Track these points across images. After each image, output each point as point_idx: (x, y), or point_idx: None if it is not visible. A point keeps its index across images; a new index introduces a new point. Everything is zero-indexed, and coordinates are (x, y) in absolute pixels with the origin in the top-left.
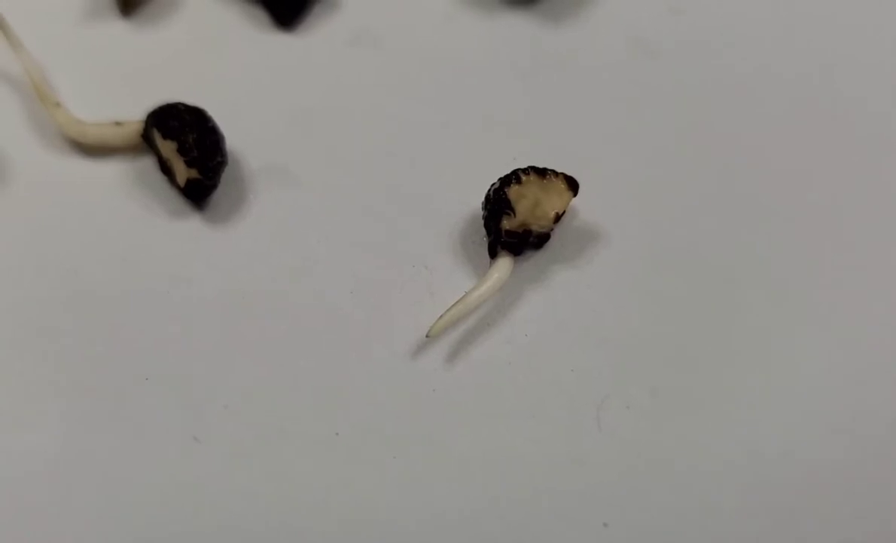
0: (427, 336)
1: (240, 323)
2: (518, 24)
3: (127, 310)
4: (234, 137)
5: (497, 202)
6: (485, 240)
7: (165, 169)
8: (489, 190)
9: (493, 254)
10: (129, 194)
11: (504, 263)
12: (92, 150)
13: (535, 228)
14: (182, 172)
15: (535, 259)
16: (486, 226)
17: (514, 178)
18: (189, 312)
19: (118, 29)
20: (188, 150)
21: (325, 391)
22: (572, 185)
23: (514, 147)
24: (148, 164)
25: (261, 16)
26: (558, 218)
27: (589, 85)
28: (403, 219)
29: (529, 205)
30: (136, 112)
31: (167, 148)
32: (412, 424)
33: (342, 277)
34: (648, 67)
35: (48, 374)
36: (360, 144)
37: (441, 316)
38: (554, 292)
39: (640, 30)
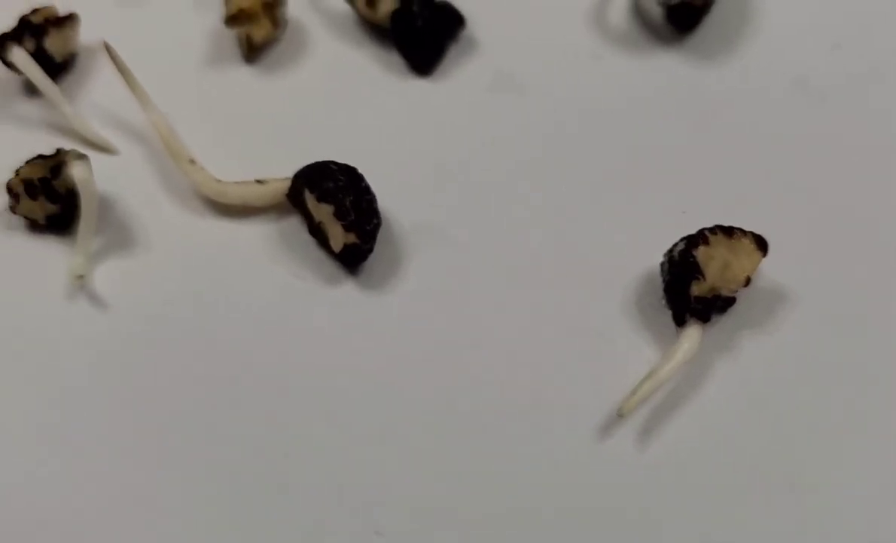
0: (619, 415)
1: (402, 398)
2: (668, 63)
3: (278, 382)
4: (382, 194)
5: (684, 266)
6: (663, 303)
7: (316, 231)
8: (672, 252)
9: (680, 322)
10: (274, 258)
11: (693, 332)
12: (231, 210)
13: (724, 292)
14: (339, 237)
15: (720, 324)
16: (669, 290)
17: (700, 238)
18: (344, 384)
19: (243, 75)
20: (345, 213)
21: (501, 475)
22: (761, 244)
23: (681, 199)
24: (292, 224)
25: (394, 60)
26: (748, 281)
27: (751, 128)
28: (569, 279)
29: (719, 268)
30: (269, 166)
31: (322, 211)
32: (610, 509)
33: (510, 346)
34: (815, 108)
35: (197, 453)
36: (513, 198)
37: (633, 393)
38: (744, 360)
39: (802, 67)
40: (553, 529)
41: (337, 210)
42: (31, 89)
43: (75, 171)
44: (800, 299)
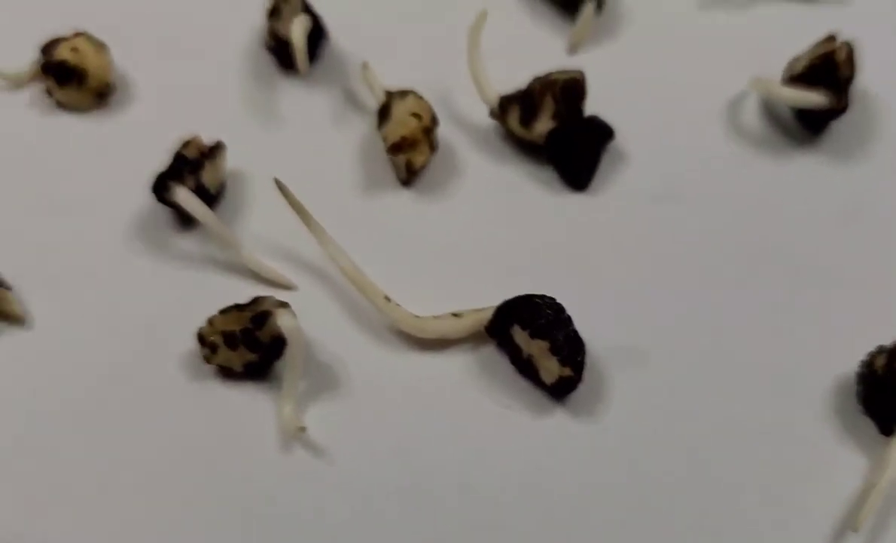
0: (854, 531)
1: (629, 526)
2: (806, 162)
3: (500, 514)
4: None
5: (890, 377)
6: (860, 409)
7: (523, 363)
8: (872, 364)
9: (888, 431)
10: (479, 389)
11: None
12: (425, 343)
13: None
14: (553, 371)
15: None
16: (871, 401)
17: None
18: (559, 515)
19: (402, 199)
20: (559, 349)
21: None
22: None
23: (858, 307)
24: (489, 353)
25: (548, 175)
26: None
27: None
28: (763, 388)
29: None
30: (445, 292)
31: (534, 346)
32: None
33: (722, 464)
34: None
35: None
36: (691, 309)
37: (862, 506)
38: None
39: None
40: None
41: (552, 346)
42: (184, 222)
43: (283, 321)
44: None
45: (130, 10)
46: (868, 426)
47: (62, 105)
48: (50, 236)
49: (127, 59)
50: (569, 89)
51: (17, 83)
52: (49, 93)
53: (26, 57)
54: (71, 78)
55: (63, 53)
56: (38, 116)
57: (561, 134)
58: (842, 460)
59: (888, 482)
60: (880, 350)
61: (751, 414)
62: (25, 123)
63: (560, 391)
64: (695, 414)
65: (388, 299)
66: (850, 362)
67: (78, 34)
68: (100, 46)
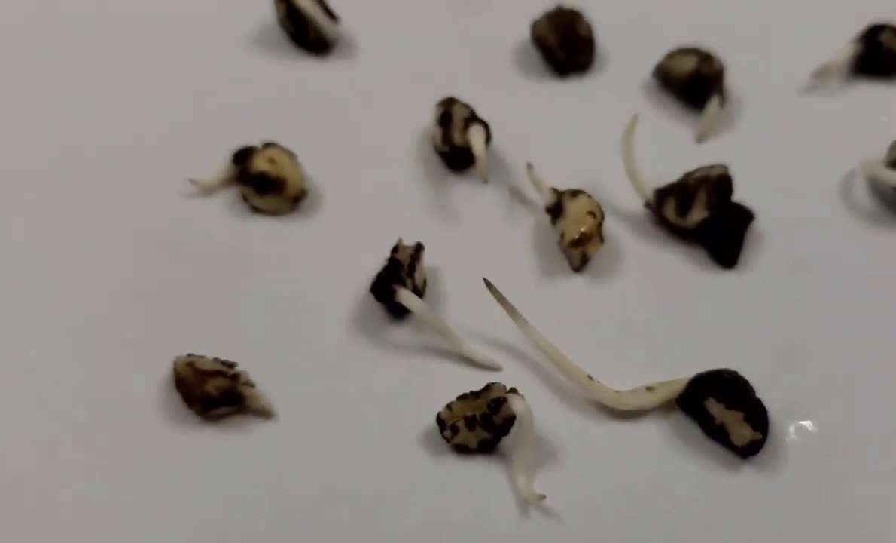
0: None
1: None
2: None
3: None
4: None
5: None
6: None
7: (715, 430)
8: None
9: None
10: (675, 450)
11: None
12: (625, 414)
13: None
14: (746, 436)
15: None
16: None
17: None
18: None
19: (576, 284)
20: (752, 417)
21: None
22: None
23: None
24: (677, 420)
25: (700, 256)
26: None
27: None
28: None
29: None
30: (628, 367)
31: (728, 415)
32: None
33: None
34: None
35: None
36: (838, 372)
37: None
38: None
39: None
40: None
41: (746, 415)
42: (396, 315)
43: (516, 406)
44: None
45: (304, 118)
46: None
47: (258, 210)
48: (272, 332)
49: (312, 165)
50: (720, 183)
51: (209, 190)
52: (245, 198)
53: (211, 167)
54: (271, 187)
55: (261, 165)
56: (237, 221)
57: (712, 222)
58: None
59: None
60: None
61: None
62: (226, 228)
63: (750, 451)
64: (858, 458)
65: (590, 377)
66: None
67: (268, 145)
68: (291, 156)
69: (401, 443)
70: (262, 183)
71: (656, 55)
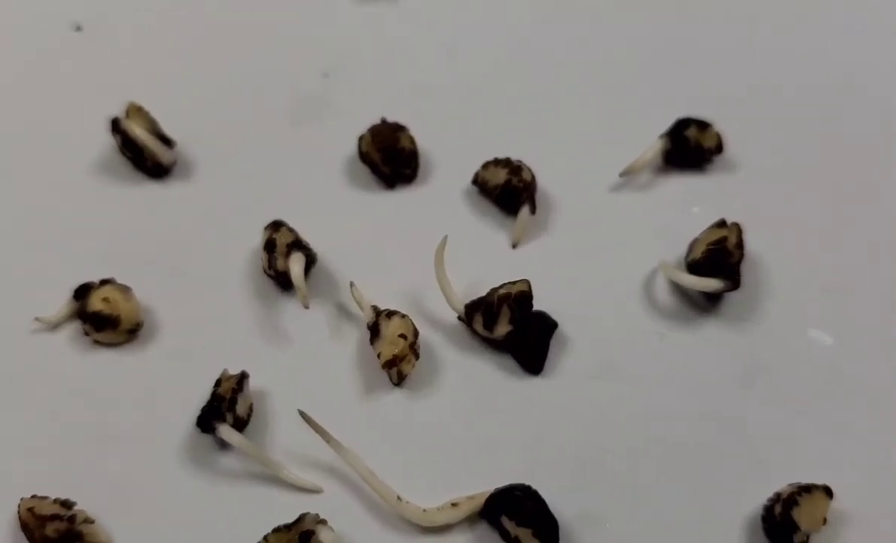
0: None
1: None
2: (716, 331)
3: None
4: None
5: (786, 523)
6: (764, 538)
7: (510, 540)
8: (772, 510)
9: None
10: None
11: None
12: (433, 529)
13: (812, 533)
14: None
15: None
16: (772, 535)
17: (792, 501)
18: None
19: (396, 399)
20: (540, 532)
21: None
22: (829, 493)
23: (760, 454)
24: (482, 530)
25: (510, 364)
26: (825, 521)
27: (791, 378)
28: (693, 528)
29: (807, 519)
30: (438, 478)
31: (520, 531)
32: None
33: None
34: (830, 356)
35: None
36: (636, 474)
37: None
38: None
39: (802, 313)
40: None
41: (534, 532)
42: (223, 445)
43: (324, 537)
44: (859, 521)
45: (144, 245)
46: None
47: (98, 343)
48: (112, 465)
49: (146, 294)
50: (521, 298)
51: (53, 325)
52: (86, 333)
53: (55, 298)
54: (106, 324)
55: (96, 304)
56: (79, 353)
57: (517, 334)
58: None
59: None
60: (777, 497)
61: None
62: (68, 361)
63: None
64: None
65: (399, 498)
66: (757, 498)
67: (105, 282)
68: (126, 291)
69: None
70: (99, 321)
71: (475, 163)
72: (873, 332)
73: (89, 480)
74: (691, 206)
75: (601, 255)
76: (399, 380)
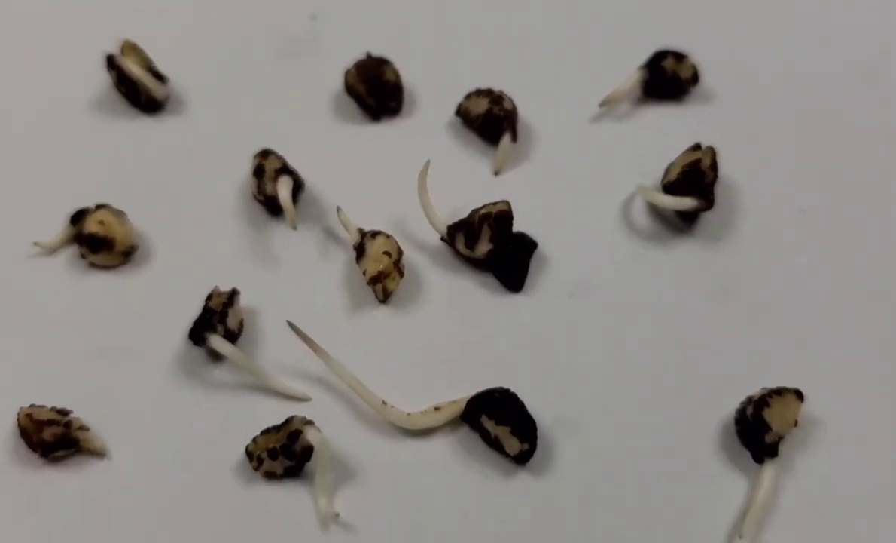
0: (740, 537)
1: None
2: (690, 250)
3: None
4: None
5: (758, 423)
6: (737, 441)
7: (492, 441)
8: (745, 412)
9: (759, 460)
10: (462, 463)
11: (772, 466)
12: (417, 432)
13: (783, 434)
14: (515, 446)
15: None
16: (745, 437)
17: (763, 403)
18: None
19: (382, 315)
20: (518, 430)
21: None
22: (799, 396)
23: (732, 364)
24: (464, 434)
25: (491, 282)
26: (796, 423)
27: (765, 294)
28: (668, 434)
29: (778, 420)
30: (423, 388)
31: (500, 430)
32: None
33: (641, 494)
34: (795, 273)
35: None
36: (610, 383)
37: (747, 518)
38: (798, 474)
39: (774, 232)
40: None
41: (512, 429)
42: (215, 357)
43: (311, 436)
44: (828, 425)
45: (137, 176)
46: (746, 455)
47: (94, 265)
48: (106, 379)
49: (140, 221)
50: (501, 218)
51: (51, 250)
52: (82, 256)
53: (53, 226)
54: (102, 246)
55: (92, 226)
56: (76, 276)
57: (497, 252)
58: (730, 482)
59: (761, 500)
60: (749, 400)
61: (659, 454)
62: (66, 283)
63: (521, 459)
64: (619, 462)
65: (384, 402)
66: (730, 406)
67: (100, 206)
68: (121, 215)
69: (218, 474)
70: (94, 242)
71: (459, 96)
72: (845, 252)
73: (84, 393)
74: (668, 135)
75: (580, 181)
76: (384, 297)
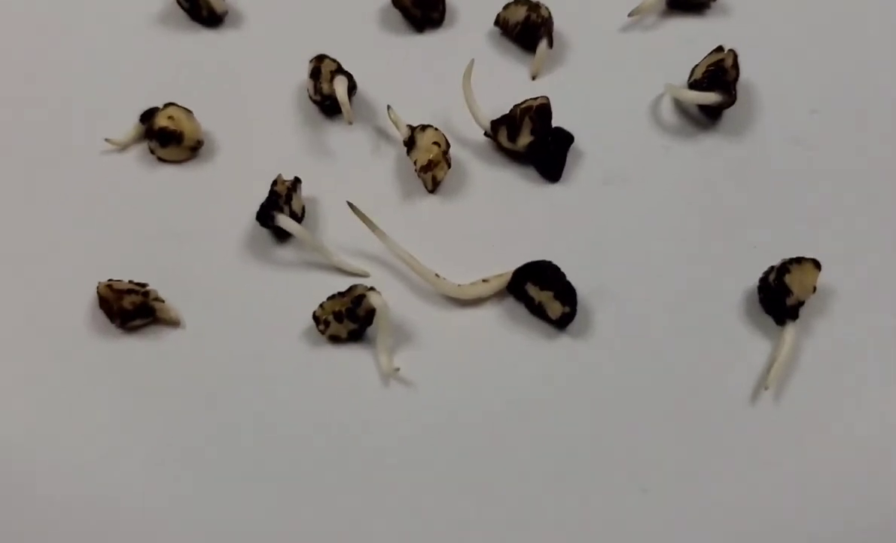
0: (766, 388)
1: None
2: (715, 143)
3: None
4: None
5: (781, 288)
6: (760, 309)
7: (536, 308)
8: (767, 278)
9: (780, 322)
10: (508, 327)
11: (793, 327)
12: (467, 302)
13: (802, 299)
14: (557, 310)
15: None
16: (768, 302)
17: (785, 269)
18: (565, 407)
19: (432, 203)
20: (560, 294)
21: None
22: (817, 265)
23: (750, 237)
24: (509, 304)
25: (531, 174)
26: (815, 289)
27: (777, 178)
28: (698, 304)
29: (798, 285)
30: (472, 265)
31: (543, 295)
32: (753, 448)
33: (674, 355)
34: (809, 156)
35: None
36: (645, 260)
37: (771, 372)
38: (816, 334)
39: (793, 129)
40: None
41: (555, 294)
42: (279, 238)
43: (374, 300)
44: (842, 294)
45: (201, 81)
46: (769, 321)
47: (163, 160)
48: (179, 258)
49: (206, 121)
50: (541, 111)
51: (122, 146)
52: (151, 151)
53: (123, 125)
54: (171, 140)
55: (162, 121)
56: (147, 170)
57: (537, 144)
58: (753, 344)
59: (784, 355)
60: (772, 269)
61: (688, 320)
62: (137, 176)
63: (562, 323)
64: (652, 327)
65: (437, 275)
66: (752, 278)
67: (168, 105)
68: (188, 112)
69: (287, 338)
70: (164, 136)
71: (497, 7)
72: (853, 142)
73: (158, 271)
74: (692, 42)
75: (612, 83)
76: (433, 186)
